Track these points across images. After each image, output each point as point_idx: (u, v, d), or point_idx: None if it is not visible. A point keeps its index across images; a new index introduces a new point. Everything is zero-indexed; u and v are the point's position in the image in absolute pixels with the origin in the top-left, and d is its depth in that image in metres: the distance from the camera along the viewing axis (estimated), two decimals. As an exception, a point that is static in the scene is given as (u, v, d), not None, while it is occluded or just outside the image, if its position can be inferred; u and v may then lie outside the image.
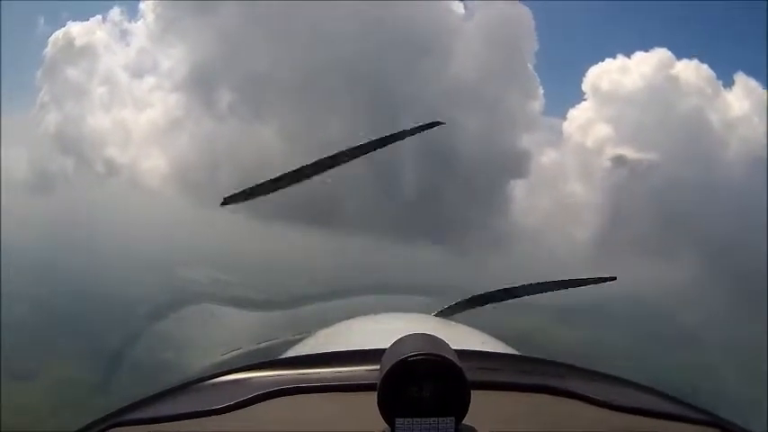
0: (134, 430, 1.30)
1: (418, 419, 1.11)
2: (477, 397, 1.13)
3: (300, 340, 2.23)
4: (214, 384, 1.54)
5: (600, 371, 1.59)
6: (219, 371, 1.59)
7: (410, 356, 1.12)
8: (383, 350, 1.20)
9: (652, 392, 1.50)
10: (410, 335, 1.21)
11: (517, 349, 2.00)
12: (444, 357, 1.12)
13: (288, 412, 1.34)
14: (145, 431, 1.29)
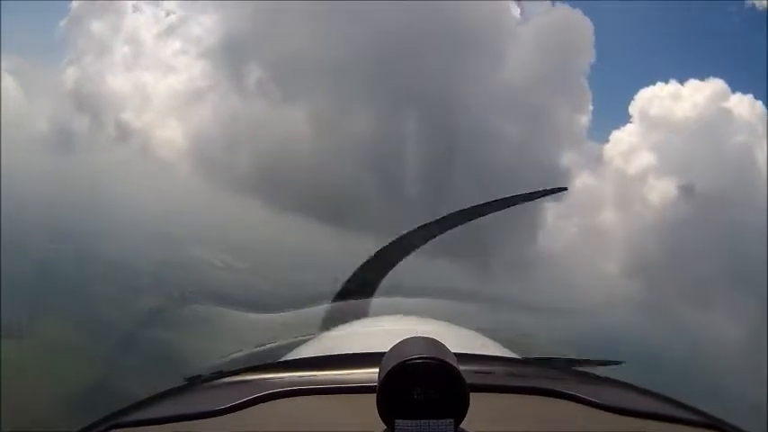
0: (134, 431, 1.31)
1: (417, 421, 1.12)
2: (476, 399, 1.14)
3: (302, 343, 2.24)
4: (215, 385, 1.55)
5: (599, 374, 1.60)
6: (221, 372, 1.61)
7: (409, 359, 1.13)
8: (383, 353, 1.21)
9: (651, 395, 1.51)
10: (410, 338, 1.22)
11: (516, 352, 2.01)
12: (443, 360, 1.14)
13: (288, 414, 1.35)
14: None
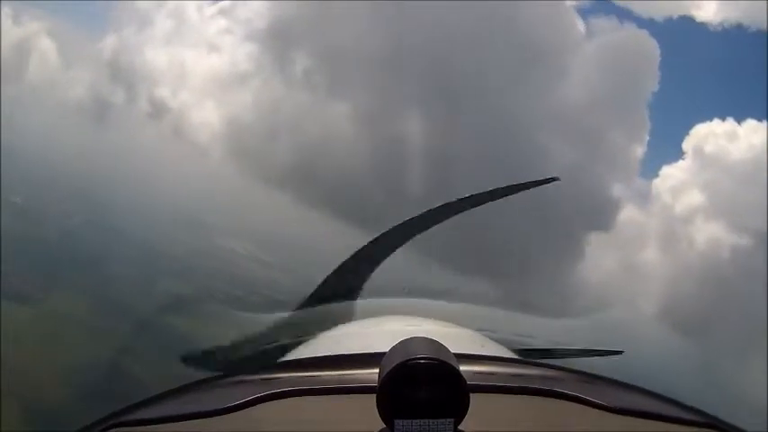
0: (134, 431, 1.32)
1: (417, 420, 1.12)
2: (475, 400, 1.14)
3: (302, 343, 2.25)
4: (215, 386, 1.56)
5: (598, 374, 1.61)
6: (222, 372, 1.61)
7: (409, 360, 1.14)
8: (383, 353, 1.22)
9: (650, 395, 1.51)
10: (410, 338, 1.23)
11: (516, 353, 2.01)
12: (443, 361, 1.14)
13: (288, 414, 1.35)
14: None
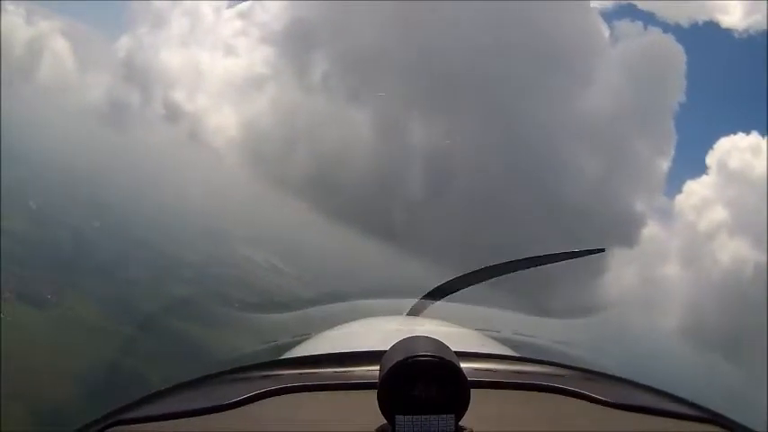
0: (134, 429, 1.32)
1: (418, 417, 1.13)
2: (476, 397, 1.14)
3: (303, 341, 2.25)
4: (215, 382, 1.56)
5: (598, 370, 1.61)
6: (221, 370, 1.62)
7: (410, 358, 1.15)
8: (384, 351, 1.22)
9: (651, 391, 1.51)
10: (411, 336, 1.24)
11: (516, 351, 2.01)
12: (444, 358, 1.15)
13: (289, 410, 1.36)
14: (145, 430, 1.31)
